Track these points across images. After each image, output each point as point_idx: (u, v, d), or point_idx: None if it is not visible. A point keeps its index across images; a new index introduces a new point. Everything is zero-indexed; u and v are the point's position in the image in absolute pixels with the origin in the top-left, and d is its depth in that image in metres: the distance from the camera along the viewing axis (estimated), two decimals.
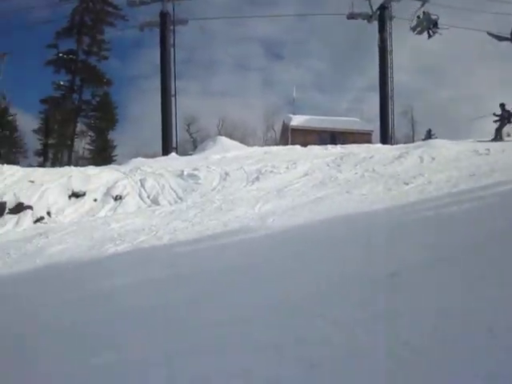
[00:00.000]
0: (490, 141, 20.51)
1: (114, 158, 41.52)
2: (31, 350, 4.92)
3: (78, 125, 43.69)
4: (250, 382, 3.30)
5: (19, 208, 16.46)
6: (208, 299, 5.56)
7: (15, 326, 5.82)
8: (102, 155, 40.83)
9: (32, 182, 18.00)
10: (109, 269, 8.85)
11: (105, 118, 42.63)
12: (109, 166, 23.39)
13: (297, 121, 42.37)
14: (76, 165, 29.40)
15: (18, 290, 8.42)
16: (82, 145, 45.12)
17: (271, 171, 17.79)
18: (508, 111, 21.86)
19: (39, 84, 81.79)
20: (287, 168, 17.94)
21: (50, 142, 42.14)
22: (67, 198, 17.37)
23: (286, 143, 36.05)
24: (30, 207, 16.45)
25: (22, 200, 16.76)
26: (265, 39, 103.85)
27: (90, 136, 44.77)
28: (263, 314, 4.67)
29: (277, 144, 42.22)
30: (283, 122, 46.57)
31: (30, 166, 30.05)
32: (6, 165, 21.00)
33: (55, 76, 42.94)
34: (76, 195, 17.43)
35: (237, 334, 4.22)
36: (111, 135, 44.48)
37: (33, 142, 44.75)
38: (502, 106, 22.41)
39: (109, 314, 5.64)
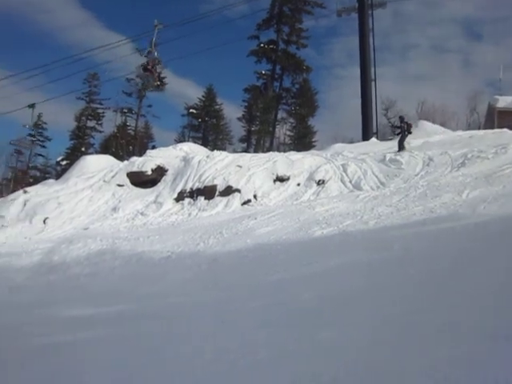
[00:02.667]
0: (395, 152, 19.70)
1: (314, 144, 42.15)
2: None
3: (279, 112, 45.00)
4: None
5: (228, 191, 17.45)
6: (429, 282, 5.38)
7: (239, 301, 6.15)
8: (302, 141, 41.61)
9: (240, 166, 18.94)
10: (318, 250, 8.95)
11: (305, 104, 43.34)
12: (310, 152, 23.76)
13: (504, 102, 39.39)
14: (277, 150, 30.32)
15: (233, 268, 8.94)
16: (282, 131, 46.43)
17: (478, 156, 16.85)
18: (406, 123, 21.23)
19: (242, 74, 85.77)
20: (496, 153, 16.86)
21: (253, 128, 44.00)
22: (272, 182, 18.03)
23: (491, 126, 33.78)
24: (238, 190, 17.35)
25: (231, 183, 17.75)
26: (462, 19, 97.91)
27: (290, 122, 45.95)
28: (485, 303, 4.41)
29: (481, 127, 39.86)
30: (488, 104, 43.60)
31: (235, 151, 31.59)
32: (216, 151, 22.36)
33: (257, 66, 44.60)
34: (280, 179, 18.01)
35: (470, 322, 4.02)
36: (311, 121, 45.19)
37: (237, 129, 47.07)
38: (401, 118, 22.05)
39: (322, 293, 5.71)
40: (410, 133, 20.83)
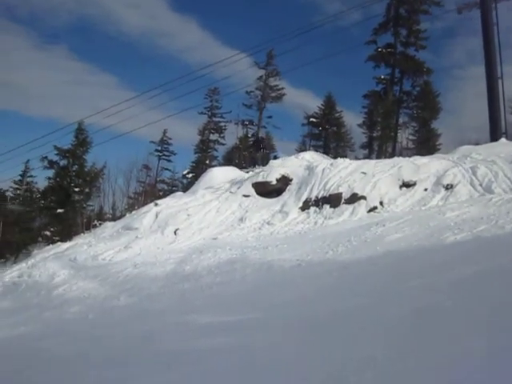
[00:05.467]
0: None
1: (438, 147, 40.79)
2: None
3: (401, 116, 44.01)
4: None
5: (354, 198, 17.38)
6: None
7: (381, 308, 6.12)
8: (426, 145, 40.35)
9: (364, 173, 18.81)
10: (452, 257, 8.70)
11: (427, 107, 42.05)
12: (436, 155, 23.07)
13: None
14: (400, 156, 29.72)
15: (365, 275, 8.90)
16: (404, 135, 45.28)
17: None
18: None
19: (360, 81, 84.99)
20: None
21: (374, 134, 43.35)
22: (398, 188, 17.72)
23: None
24: (363, 197, 17.23)
25: (356, 191, 17.66)
26: None
27: (412, 126, 44.78)
28: None
29: None
30: None
31: (357, 158, 31.33)
32: (339, 158, 22.33)
33: (375, 71, 43.91)
34: (406, 185, 17.68)
35: None
36: (434, 124, 43.76)
37: (358, 136, 46.59)
38: None
39: (465, 301, 5.55)
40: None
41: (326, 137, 47.19)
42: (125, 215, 26.44)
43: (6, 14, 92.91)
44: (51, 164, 28.73)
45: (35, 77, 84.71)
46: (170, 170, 50.05)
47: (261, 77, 46.15)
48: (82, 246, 19.00)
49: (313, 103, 75.89)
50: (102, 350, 7.16)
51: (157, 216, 19.88)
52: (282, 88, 46.94)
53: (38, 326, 10.69)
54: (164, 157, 49.97)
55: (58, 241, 23.85)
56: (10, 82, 79.11)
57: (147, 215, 20.11)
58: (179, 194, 25.19)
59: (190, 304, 9.75)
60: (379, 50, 43.46)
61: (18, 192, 36.64)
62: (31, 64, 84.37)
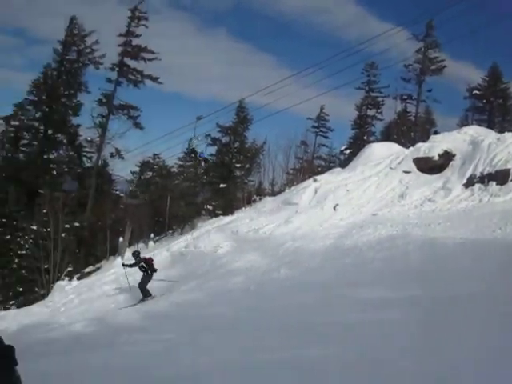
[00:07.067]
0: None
1: None
2: None
3: None
4: None
5: None
6: None
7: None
8: None
9: None
10: None
11: None
12: None
13: None
14: None
15: None
16: None
17: None
18: (144, 258, 15.03)
19: None
20: None
21: None
22: None
23: None
24: None
25: None
26: None
27: None
28: None
29: None
30: None
31: None
32: (507, 132, 21.07)
33: None
34: None
35: None
36: None
37: None
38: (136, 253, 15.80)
39: None
40: (153, 271, 14.79)
41: (491, 110, 44.63)
42: (284, 190, 26.98)
43: (172, 4, 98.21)
44: (214, 141, 29.94)
45: (198, 59, 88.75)
46: (327, 146, 50.04)
47: (419, 49, 44.53)
48: (244, 219, 19.69)
49: (475, 76, 71.88)
50: (265, 320, 7.50)
51: (316, 191, 20.09)
52: (443, 60, 44.96)
53: (204, 294, 11.34)
54: (321, 133, 49.96)
55: (219, 214, 24.93)
56: (173, 65, 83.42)
57: (306, 190, 20.38)
58: (338, 169, 25.18)
59: (352, 278, 9.84)
60: None
61: (182, 169, 38.52)
62: (194, 47, 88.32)
